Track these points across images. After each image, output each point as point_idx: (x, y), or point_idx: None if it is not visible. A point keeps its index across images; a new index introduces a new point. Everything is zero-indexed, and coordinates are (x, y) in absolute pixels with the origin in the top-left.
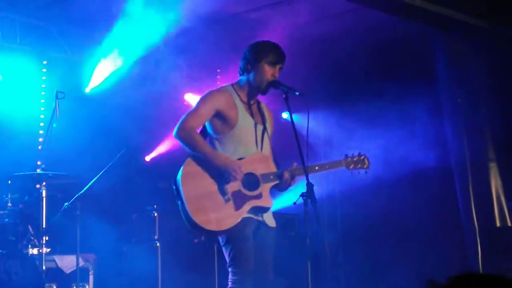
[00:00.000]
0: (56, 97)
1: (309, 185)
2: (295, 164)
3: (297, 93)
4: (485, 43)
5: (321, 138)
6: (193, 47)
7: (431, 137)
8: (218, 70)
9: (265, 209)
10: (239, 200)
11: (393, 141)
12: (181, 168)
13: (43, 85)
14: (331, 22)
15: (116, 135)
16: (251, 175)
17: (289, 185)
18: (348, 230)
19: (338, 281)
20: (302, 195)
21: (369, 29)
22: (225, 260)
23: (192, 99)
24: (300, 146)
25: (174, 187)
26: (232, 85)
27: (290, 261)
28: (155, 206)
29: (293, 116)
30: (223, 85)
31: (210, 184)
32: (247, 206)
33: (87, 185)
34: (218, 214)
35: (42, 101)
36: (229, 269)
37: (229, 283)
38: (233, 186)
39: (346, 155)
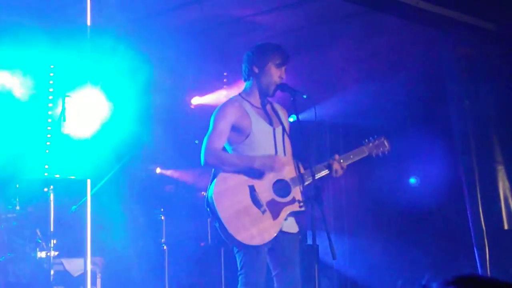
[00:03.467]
0: (64, 101)
1: (317, 188)
2: (337, 155)
3: (304, 96)
4: (493, 45)
5: (327, 133)
6: (199, 50)
7: (438, 141)
8: (224, 74)
9: (300, 213)
10: (275, 208)
11: (400, 144)
12: (212, 188)
13: (50, 89)
14: (337, 25)
15: (124, 138)
16: (280, 182)
17: (338, 175)
18: (355, 233)
19: (345, 284)
20: (309, 198)
21: (375, 33)
22: (232, 263)
23: (199, 102)
24: (307, 149)
25: (208, 208)
26: (240, 94)
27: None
28: (162, 210)
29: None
30: (231, 97)
31: (244, 198)
32: (284, 213)
33: (94, 188)
34: (258, 228)
35: (50, 104)
36: (239, 278)
37: None
38: (266, 196)
39: (367, 140)
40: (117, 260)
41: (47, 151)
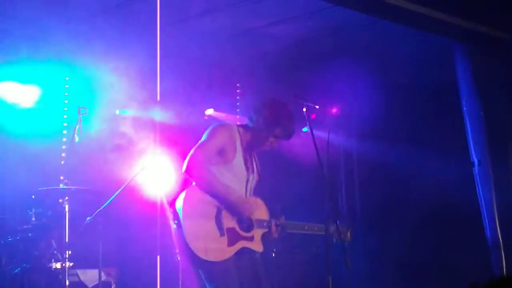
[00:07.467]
0: (79, 113)
1: (330, 203)
2: (283, 218)
3: (317, 107)
4: (506, 54)
5: (340, 150)
6: (213, 61)
7: (453, 151)
8: (237, 85)
9: (253, 253)
10: (232, 237)
11: (411, 154)
12: (184, 192)
13: (66, 101)
14: (348, 36)
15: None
16: (246, 218)
17: (273, 238)
18: (370, 246)
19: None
20: (324, 212)
21: (388, 43)
22: None
23: (213, 114)
24: (320, 161)
25: (171, 209)
26: (238, 127)
27: (311, 277)
28: (175, 221)
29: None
30: (231, 123)
31: (209, 215)
32: (239, 245)
33: (109, 199)
34: (213, 245)
35: (65, 116)
36: None
37: None
38: (229, 223)
39: (336, 223)
40: (132, 271)
41: (62, 162)
